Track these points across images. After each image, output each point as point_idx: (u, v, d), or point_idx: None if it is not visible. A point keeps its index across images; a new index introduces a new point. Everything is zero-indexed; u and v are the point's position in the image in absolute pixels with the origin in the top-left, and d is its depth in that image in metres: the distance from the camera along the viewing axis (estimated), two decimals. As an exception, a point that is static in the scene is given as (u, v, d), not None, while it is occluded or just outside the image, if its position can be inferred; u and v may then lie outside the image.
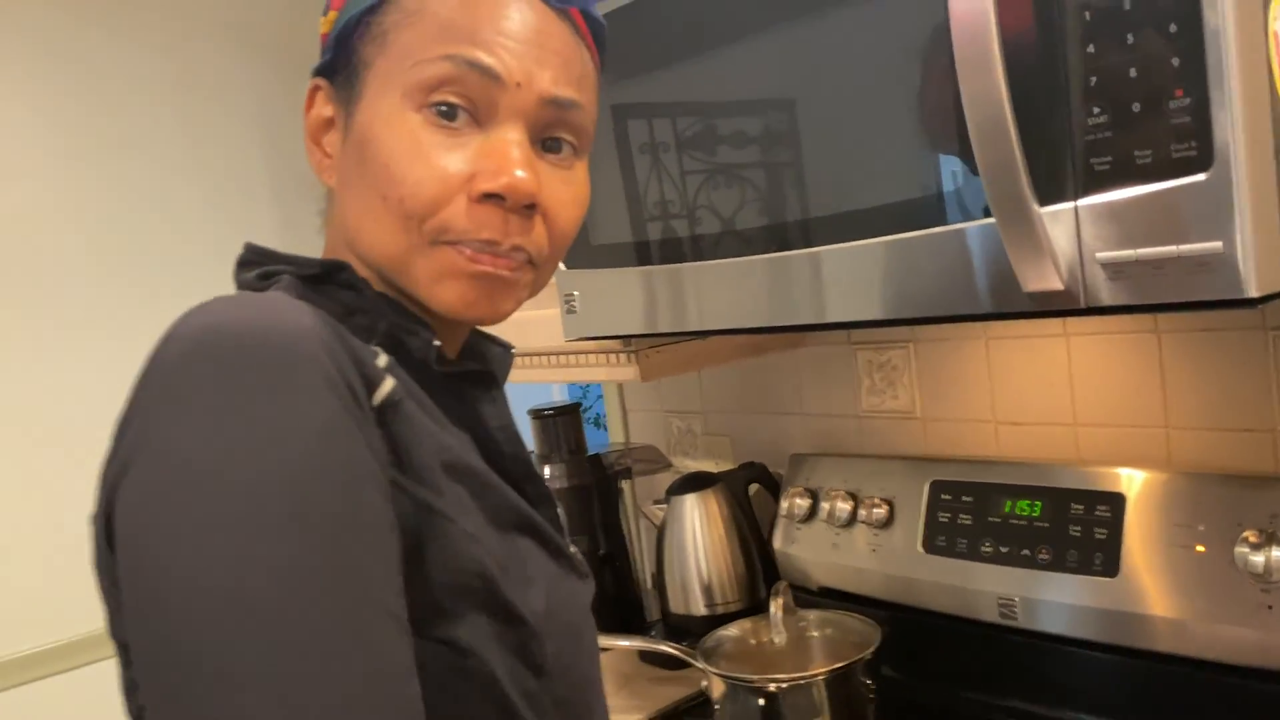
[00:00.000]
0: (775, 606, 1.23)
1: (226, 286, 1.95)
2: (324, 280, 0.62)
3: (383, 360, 0.56)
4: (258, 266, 0.65)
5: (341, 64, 0.63)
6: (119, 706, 0.58)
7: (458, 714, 0.54)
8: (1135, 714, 1.09)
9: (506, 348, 0.77)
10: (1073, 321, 1.21)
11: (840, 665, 1.17)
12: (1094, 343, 1.19)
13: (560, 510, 0.72)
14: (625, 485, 1.67)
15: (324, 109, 0.65)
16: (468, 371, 0.65)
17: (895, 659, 1.24)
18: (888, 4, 0.83)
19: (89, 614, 2.00)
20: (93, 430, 2.06)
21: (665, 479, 1.72)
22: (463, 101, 0.59)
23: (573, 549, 0.69)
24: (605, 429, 1.97)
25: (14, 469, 2.03)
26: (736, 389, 1.64)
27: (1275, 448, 1.06)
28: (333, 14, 0.64)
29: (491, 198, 0.58)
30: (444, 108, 0.59)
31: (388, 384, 0.54)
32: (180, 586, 0.44)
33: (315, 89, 0.66)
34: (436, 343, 0.62)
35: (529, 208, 0.60)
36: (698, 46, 1.00)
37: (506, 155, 0.58)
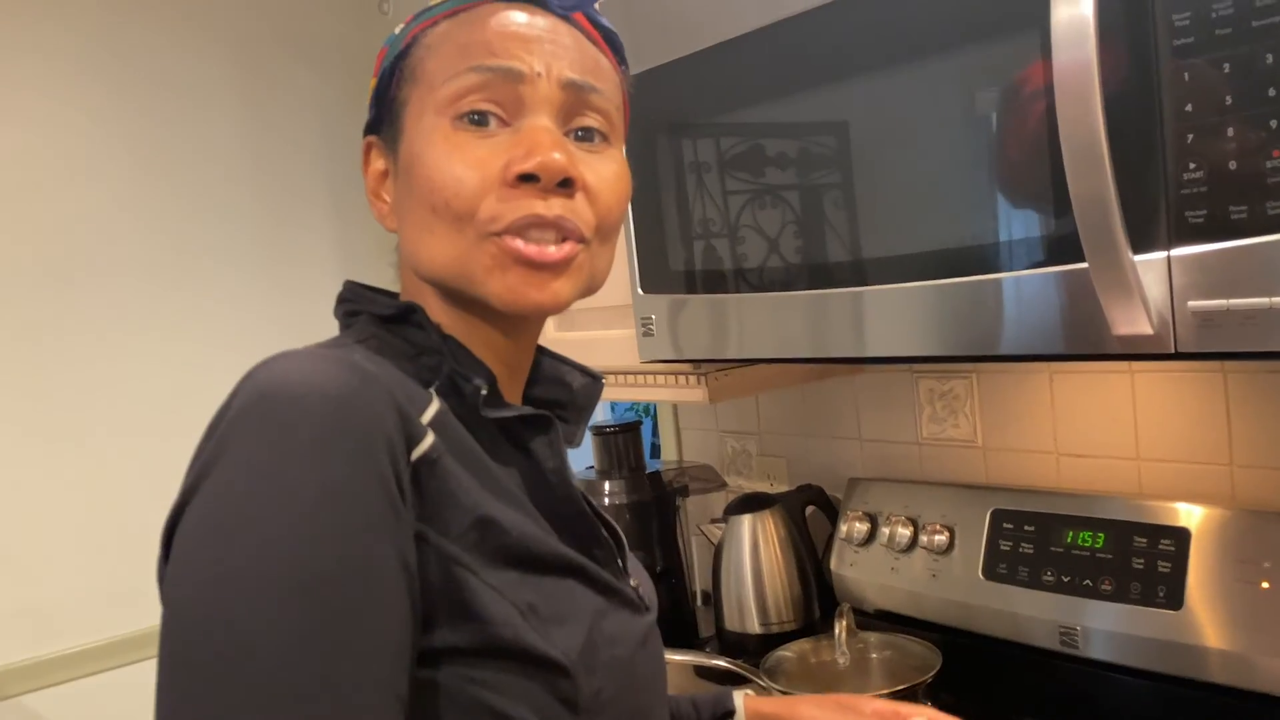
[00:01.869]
0: (840, 627, 1.26)
1: (281, 292, 2.03)
2: (398, 321, 0.67)
3: (431, 411, 0.60)
4: (348, 304, 0.71)
5: (385, 115, 0.69)
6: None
7: None
8: (1196, 745, 1.11)
9: (595, 378, 0.79)
10: (1138, 358, 1.23)
11: (902, 688, 1.20)
12: (1159, 379, 1.22)
13: (623, 543, 0.75)
14: (681, 503, 1.70)
15: (378, 163, 0.70)
16: (520, 417, 0.67)
17: (953, 684, 1.26)
18: (965, 57, 0.87)
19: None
20: (154, 427, 2.12)
21: (718, 498, 1.76)
22: (490, 106, 0.63)
23: (633, 583, 0.72)
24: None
25: (69, 466, 2.09)
26: (794, 411, 1.68)
27: (1341, 489, 1.09)
28: (373, 80, 0.71)
29: (527, 179, 0.62)
30: (475, 116, 0.63)
31: (426, 441, 0.58)
32: (189, 628, 0.51)
33: (368, 147, 0.71)
34: (484, 391, 0.65)
35: (566, 184, 0.63)
36: (784, 88, 1.03)
37: (535, 138, 0.62)
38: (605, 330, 1.39)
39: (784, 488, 1.65)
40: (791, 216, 1.06)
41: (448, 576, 0.57)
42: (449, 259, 0.64)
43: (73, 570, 2.09)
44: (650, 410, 3.17)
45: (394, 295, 0.71)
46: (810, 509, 1.58)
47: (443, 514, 0.58)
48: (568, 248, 0.64)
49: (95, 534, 2.12)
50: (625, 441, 1.66)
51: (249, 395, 0.55)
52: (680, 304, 1.21)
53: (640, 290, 1.25)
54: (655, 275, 1.23)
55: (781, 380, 1.43)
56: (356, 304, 0.70)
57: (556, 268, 0.64)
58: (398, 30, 0.70)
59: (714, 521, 1.60)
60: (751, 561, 1.53)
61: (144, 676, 2.15)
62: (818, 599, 1.54)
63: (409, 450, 0.57)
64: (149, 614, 2.14)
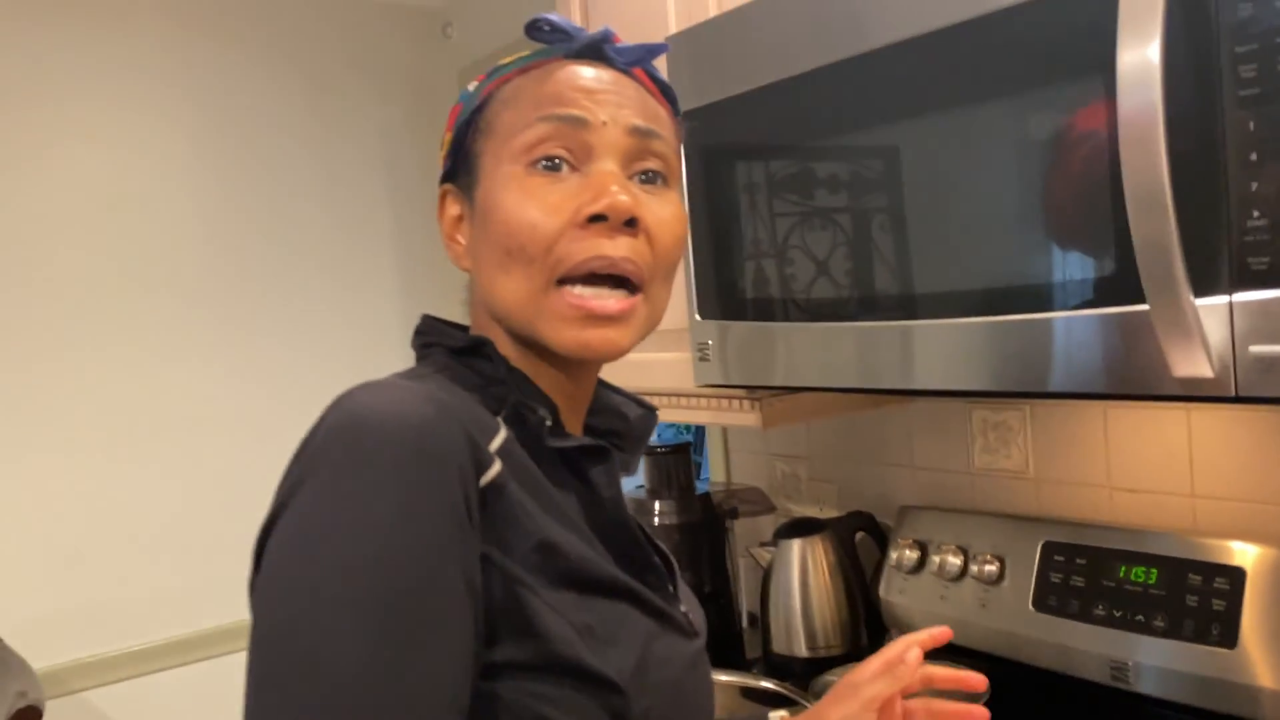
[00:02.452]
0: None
1: (343, 308, 2.08)
2: (468, 354, 0.71)
3: (499, 440, 0.64)
4: (424, 336, 0.76)
5: (461, 166, 0.73)
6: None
7: None
8: (1248, 785, 1.11)
9: (650, 410, 0.83)
10: (1195, 395, 1.24)
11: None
12: (1216, 417, 1.22)
13: (675, 569, 0.77)
14: (730, 525, 1.72)
15: (452, 209, 0.75)
16: (581, 447, 0.70)
17: (1001, 714, 1.26)
18: (1027, 97, 0.89)
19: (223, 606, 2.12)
20: (223, 436, 2.18)
21: (766, 521, 1.77)
22: (561, 153, 0.68)
23: (683, 608, 0.75)
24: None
25: (132, 472, 2.16)
26: (845, 437, 1.69)
27: (1400, 532, 1.08)
28: (447, 135, 0.75)
29: (596, 219, 0.66)
30: (547, 161, 0.68)
31: (494, 469, 0.62)
32: (275, 638, 0.55)
33: (444, 194, 0.76)
34: (549, 422, 0.69)
35: (630, 224, 0.67)
36: (842, 124, 1.06)
37: (604, 183, 0.67)
38: (660, 353, 1.41)
39: (833, 513, 1.66)
40: (847, 248, 1.08)
41: (511, 596, 0.61)
42: (520, 301, 0.68)
43: (136, 570, 2.16)
44: (689, 430, 3.19)
45: (465, 329, 0.75)
46: (860, 535, 1.59)
47: (507, 537, 0.62)
48: (627, 302, 0.68)
49: (157, 537, 2.19)
50: (675, 462, 1.68)
51: (336, 421, 0.59)
52: (736, 330, 1.23)
53: (697, 316, 1.28)
54: (712, 301, 1.26)
55: (836, 408, 1.45)
56: (431, 336, 0.75)
57: (616, 320, 0.68)
58: (471, 87, 0.75)
59: (763, 545, 1.61)
60: (800, 585, 1.54)
61: (195, 675, 2.21)
62: (865, 625, 1.55)
63: (478, 476, 0.61)
64: (202, 616, 2.21)
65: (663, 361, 1.43)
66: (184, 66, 2.23)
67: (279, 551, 0.58)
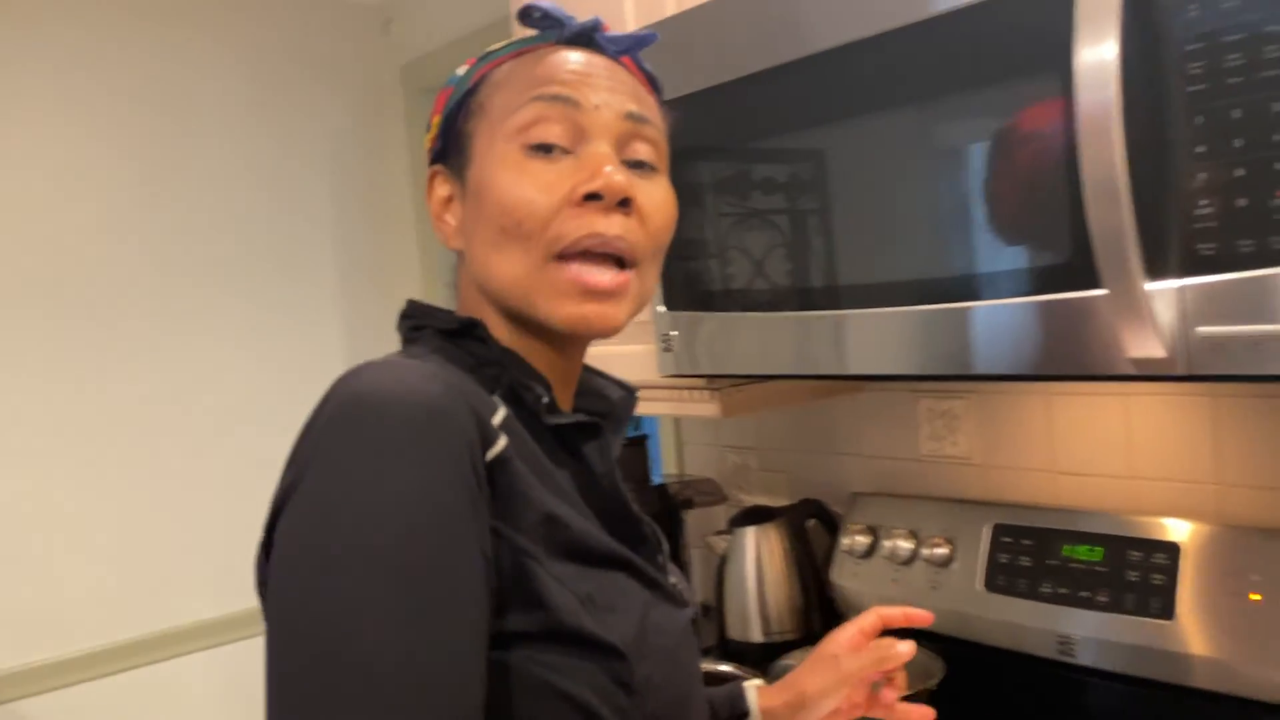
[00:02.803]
0: (831, 635, 1.31)
1: (284, 306, 2.08)
2: (460, 335, 0.72)
3: (499, 416, 0.66)
4: (411, 319, 0.76)
5: (452, 146, 0.75)
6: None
7: None
8: (1186, 749, 1.17)
9: (630, 391, 0.85)
10: (1132, 382, 1.30)
11: (907, 694, 1.24)
12: (1152, 402, 1.29)
13: (662, 543, 0.80)
14: (684, 515, 1.75)
15: (442, 189, 0.76)
16: (574, 424, 0.72)
17: (955, 691, 1.31)
18: (985, 95, 0.93)
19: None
20: (154, 434, 2.13)
21: (719, 511, 1.81)
22: (554, 136, 0.69)
23: (673, 580, 0.77)
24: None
25: (66, 472, 2.11)
26: (795, 427, 1.73)
27: (1323, 507, 1.16)
28: (436, 119, 0.77)
29: (591, 198, 0.68)
30: (542, 145, 0.69)
31: (500, 444, 0.64)
32: (294, 617, 0.56)
33: (433, 175, 0.77)
34: (546, 399, 0.71)
35: (624, 204, 0.69)
36: (805, 120, 1.09)
37: (599, 163, 0.69)
38: (622, 345, 1.44)
39: (784, 501, 1.70)
40: (809, 241, 1.12)
41: (518, 567, 0.62)
42: (516, 278, 0.70)
43: (65, 576, 2.11)
44: (639, 423, 3.21)
45: (450, 312, 0.76)
46: (811, 522, 1.64)
47: (513, 510, 0.63)
48: (621, 278, 0.70)
49: (90, 541, 2.14)
50: (633, 455, 1.71)
51: (343, 400, 0.60)
52: (698, 321, 1.26)
53: (662, 307, 1.30)
54: (676, 293, 1.28)
55: (792, 397, 1.49)
56: (420, 319, 0.75)
57: (612, 295, 0.70)
58: (461, 71, 0.76)
59: (718, 533, 1.65)
60: (755, 572, 1.58)
61: (135, 681, 2.16)
62: (818, 610, 1.59)
63: (485, 451, 0.62)
64: (139, 621, 2.16)
65: (624, 354, 1.45)
66: (121, 60, 2.19)
67: (295, 530, 0.58)
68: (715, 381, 1.39)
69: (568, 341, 0.74)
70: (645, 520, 0.79)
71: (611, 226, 0.69)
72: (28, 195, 2.07)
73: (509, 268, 0.70)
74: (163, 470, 2.22)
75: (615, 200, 0.68)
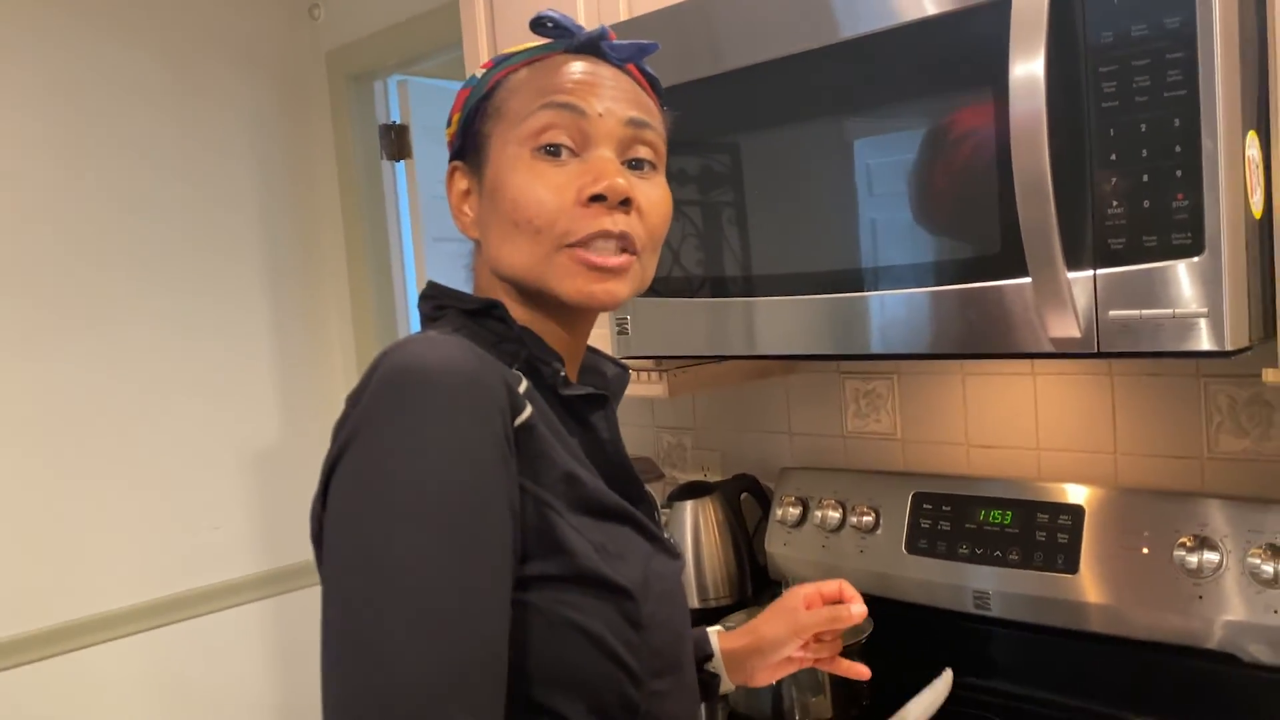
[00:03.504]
0: (792, 589, 1.42)
1: (207, 293, 2.11)
2: (481, 314, 0.80)
3: (523, 387, 0.74)
4: (433, 300, 0.84)
5: (469, 146, 0.83)
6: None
7: (574, 657, 0.71)
8: (1087, 688, 1.32)
9: (624, 369, 0.94)
10: (1039, 361, 1.45)
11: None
12: (1056, 381, 1.43)
13: (656, 504, 0.89)
14: (623, 492, 1.84)
15: (461, 184, 0.84)
16: (585, 395, 0.81)
17: (881, 644, 1.44)
18: (922, 104, 1.05)
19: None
20: (83, 420, 2.11)
21: (656, 488, 1.90)
22: (563, 139, 0.77)
23: (666, 535, 0.87)
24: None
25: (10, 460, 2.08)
26: (729, 408, 1.84)
27: (1203, 471, 1.31)
28: (455, 117, 0.84)
29: (596, 199, 0.76)
30: (550, 147, 0.77)
31: (526, 411, 0.72)
32: (350, 555, 0.64)
33: (453, 170, 0.85)
34: (563, 373, 0.79)
35: (625, 204, 0.78)
36: (752, 122, 1.19)
37: (603, 167, 0.77)
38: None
39: (718, 477, 1.81)
40: (757, 232, 1.22)
41: (542, 519, 0.71)
42: (529, 264, 0.78)
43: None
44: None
45: (470, 295, 0.84)
46: (745, 496, 1.74)
47: (537, 468, 0.72)
48: (624, 259, 0.78)
49: (5, 528, 2.11)
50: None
51: (391, 370, 0.68)
52: (650, 306, 1.35)
53: (615, 293, 1.39)
54: (630, 280, 1.37)
55: (731, 377, 1.59)
56: (442, 300, 0.83)
57: (616, 273, 0.78)
58: (479, 74, 0.83)
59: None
60: (693, 543, 1.68)
61: (52, 670, 2.15)
62: (751, 578, 1.70)
63: (514, 418, 0.71)
64: (57, 611, 2.14)
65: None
66: (35, 42, 2.15)
67: (351, 485, 0.66)
68: (662, 363, 1.48)
69: (577, 319, 0.83)
70: (643, 483, 0.88)
71: (615, 224, 0.77)
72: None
73: (520, 255, 0.78)
74: (83, 457, 2.20)
75: (617, 201, 0.76)
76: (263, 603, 2.45)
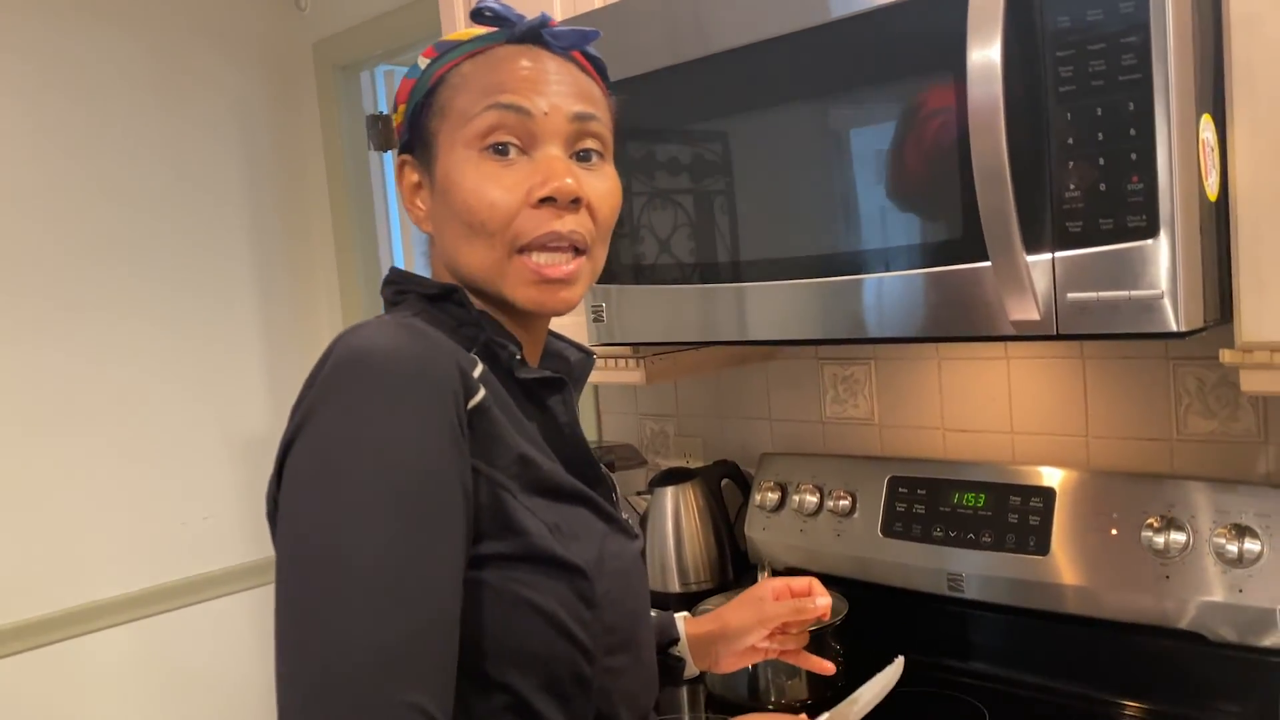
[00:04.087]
0: (763, 579, 1.44)
1: (194, 283, 2.11)
2: (441, 299, 0.81)
3: (478, 370, 0.76)
4: (395, 285, 0.85)
5: (417, 140, 0.83)
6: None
7: (528, 634, 0.73)
8: (1061, 669, 1.34)
9: (588, 354, 0.95)
10: (1013, 346, 1.46)
11: (814, 629, 1.38)
12: (1029, 365, 1.44)
13: (614, 486, 0.91)
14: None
15: (411, 177, 0.85)
16: (541, 379, 0.82)
17: (858, 626, 1.45)
18: (885, 90, 1.05)
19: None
20: (74, 411, 2.13)
21: (639, 474, 1.92)
22: (510, 138, 0.78)
23: (624, 516, 0.89)
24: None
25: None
26: (709, 396, 1.85)
27: (1172, 453, 1.33)
28: (401, 106, 0.85)
29: (546, 201, 0.78)
30: (498, 147, 0.78)
31: (479, 394, 0.73)
32: (303, 533, 0.66)
33: (402, 164, 0.86)
34: (519, 356, 0.81)
35: (574, 203, 0.79)
36: (721, 110, 1.20)
37: (552, 168, 0.78)
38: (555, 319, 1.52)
39: (699, 463, 1.82)
40: (728, 219, 1.23)
41: (495, 499, 0.72)
42: (485, 266, 0.79)
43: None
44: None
45: (431, 280, 0.85)
46: (725, 481, 1.76)
47: (491, 451, 0.73)
48: (575, 265, 0.80)
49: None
50: (556, 421, 1.80)
51: (344, 354, 0.69)
52: (625, 293, 1.36)
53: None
54: (605, 267, 1.37)
55: (708, 365, 1.60)
56: (404, 285, 0.84)
57: (568, 281, 0.80)
58: (422, 65, 0.84)
59: (639, 493, 1.76)
60: (674, 528, 1.69)
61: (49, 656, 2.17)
62: (731, 562, 1.72)
63: (467, 400, 0.72)
64: (49, 598, 2.16)
65: (557, 325, 1.54)
66: (21, 33, 2.15)
67: (302, 467, 0.67)
68: (640, 350, 1.49)
69: (533, 315, 0.84)
70: (600, 465, 0.89)
71: (565, 224, 0.78)
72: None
73: (476, 258, 0.79)
74: (75, 448, 2.21)
75: (567, 201, 0.78)
76: (253, 591, 2.46)
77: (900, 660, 1.04)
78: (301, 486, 0.67)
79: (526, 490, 0.75)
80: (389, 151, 2.56)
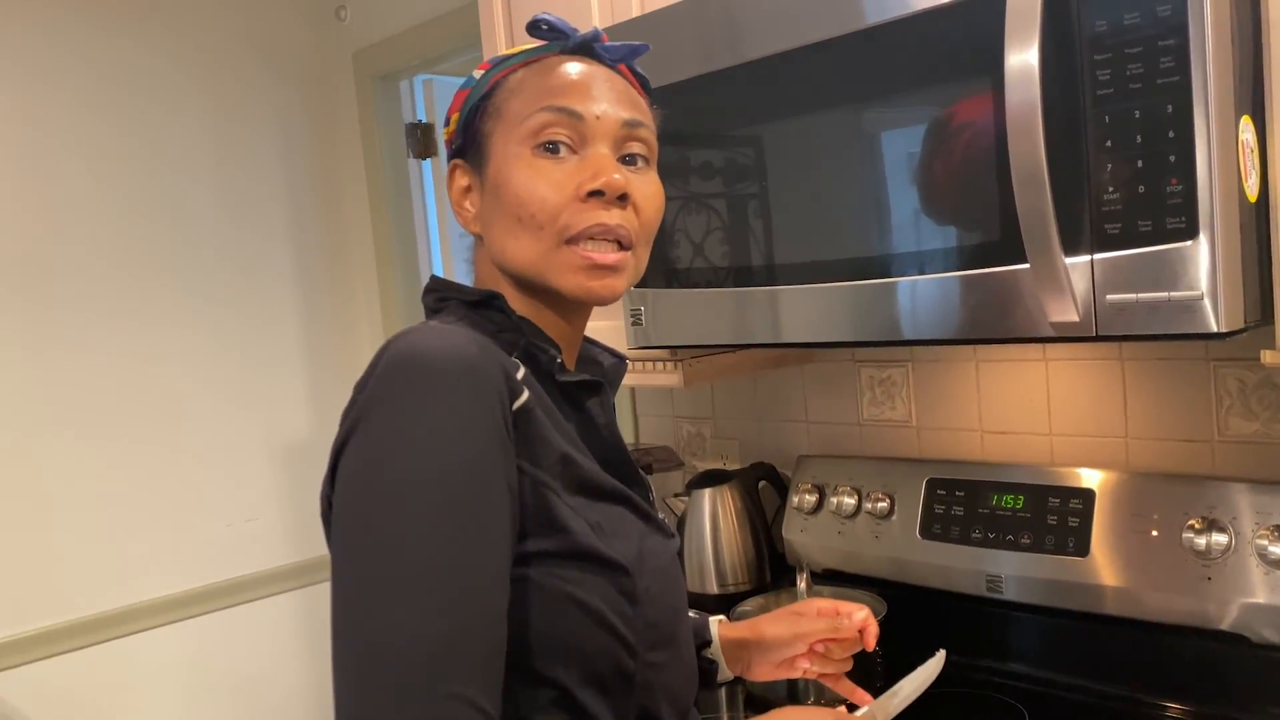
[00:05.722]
0: (801, 582, 1.45)
1: (235, 290, 2.16)
2: (481, 305, 0.84)
3: (521, 373, 0.78)
4: (436, 293, 0.87)
5: (469, 143, 0.86)
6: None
7: (572, 629, 0.75)
8: (1101, 670, 1.34)
9: (621, 359, 0.98)
10: (1051, 347, 1.46)
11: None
12: (1068, 367, 1.44)
13: (650, 487, 0.92)
14: (643, 480, 1.87)
15: (461, 180, 0.87)
16: (581, 381, 0.85)
17: (896, 628, 1.46)
18: (924, 95, 1.06)
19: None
20: (124, 418, 2.18)
21: (675, 477, 1.93)
22: (562, 137, 0.81)
23: (661, 515, 0.90)
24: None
25: (31, 453, 2.15)
26: (745, 399, 1.87)
27: (1213, 454, 1.32)
28: (454, 117, 0.88)
29: (594, 194, 0.80)
30: (550, 145, 0.81)
31: (524, 396, 0.76)
32: (357, 530, 0.68)
33: (454, 168, 0.88)
34: (560, 360, 0.83)
35: (622, 199, 0.81)
36: (763, 115, 1.22)
37: (601, 164, 0.81)
38: (594, 321, 1.54)
39: (736, 466, 1.83)
40: (769, 223, 1.24)
41: (540, 498, 0.75)
42: (532, 258, 0.81)
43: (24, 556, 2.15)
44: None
45: (471, 287, 0.87)
46: (762, 484, 1.77)
47: (535, 451, 0.76)
48: (620, 255, 0.82)
49: (46, 521, 2.18)
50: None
51: (396, 357, 0.72)
52: (664, 297, 1.38)
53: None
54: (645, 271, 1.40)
55: (745, 367, 1.62)
56: (444, 293, 0.87)
57: (614, 269, 0.82)
58: (478, 75, 0.87)
59: (677, 495, 1.77)
60: (711, 530, 1.71)
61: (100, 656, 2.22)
62: (769, 564, 1.73)
63: (512, 402, 0.74)
64: (103, 598, 2.21)
65: (595, 329, 1.55)
66: (74, 43, 2.21)
67: (356, 467, 0.70)
68: (677, 353, 1.51)
69: (575, 310, 0.86)
70: (637, 466, 0.91)
71: (612, 218, 0.80)
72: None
73: (524, 251, 0.81)
74: (125, 453, 2.26)
75: (615, 196, 0.80)
76: (295, 593, 2.50)
77: (942, 654, 1.05)
78: (355, 486, 0.69)
79: (569, 489, 0.77)
80: (428, 160, 2.60)
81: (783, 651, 1.06)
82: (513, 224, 0.81)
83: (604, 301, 0.83)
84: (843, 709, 0.93)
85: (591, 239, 0.80)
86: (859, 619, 1.03)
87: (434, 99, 2.47)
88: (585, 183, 0.79)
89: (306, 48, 2.62)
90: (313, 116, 2.62)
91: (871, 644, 1.03)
